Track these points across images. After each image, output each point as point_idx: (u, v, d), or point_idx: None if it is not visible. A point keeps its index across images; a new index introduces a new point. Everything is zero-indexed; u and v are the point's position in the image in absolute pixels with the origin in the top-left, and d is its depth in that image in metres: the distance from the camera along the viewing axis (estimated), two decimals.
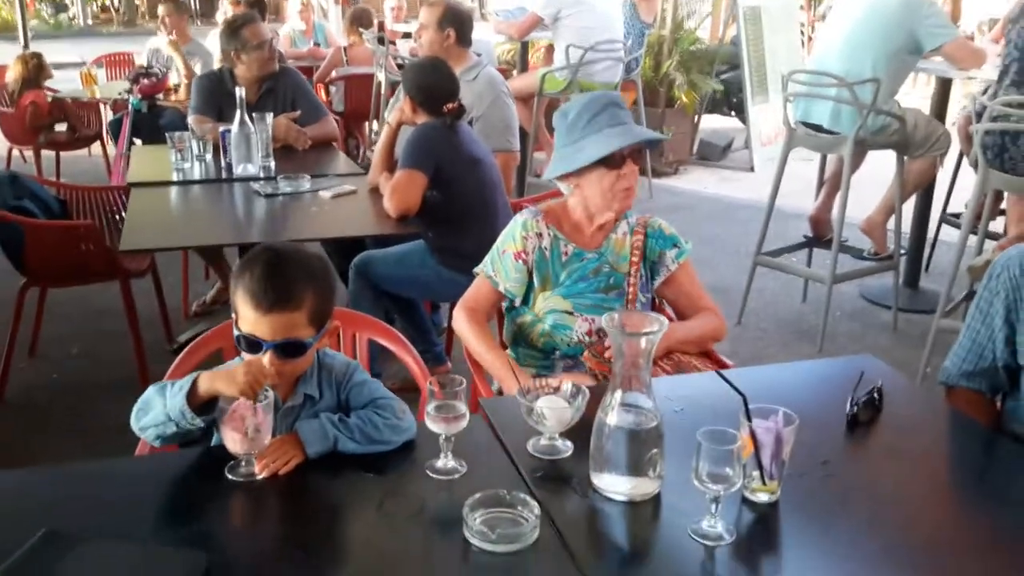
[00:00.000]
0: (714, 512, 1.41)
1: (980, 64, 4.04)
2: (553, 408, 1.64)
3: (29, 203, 3.57)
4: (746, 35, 7.38)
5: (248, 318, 1.64)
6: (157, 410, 1.61)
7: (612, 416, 1.50)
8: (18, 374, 3.70)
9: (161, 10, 6.49)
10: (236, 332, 1.66)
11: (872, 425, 1.77)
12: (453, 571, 1.40)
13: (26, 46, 8.27)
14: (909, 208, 4.65)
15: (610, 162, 2.21)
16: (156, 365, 3.01)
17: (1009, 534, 1.50)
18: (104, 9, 22.82)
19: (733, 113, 8.57)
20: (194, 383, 1.59)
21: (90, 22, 21.66)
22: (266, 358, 1.63)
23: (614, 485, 1.52)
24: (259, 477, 1.58)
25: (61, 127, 6.59)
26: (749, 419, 1.46)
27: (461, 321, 2.35)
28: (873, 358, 2.12)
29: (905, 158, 4.28)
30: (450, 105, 3.28)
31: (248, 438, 1.54)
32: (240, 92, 3.62)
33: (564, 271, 2.32)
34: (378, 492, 1.57)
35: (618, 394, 1.50)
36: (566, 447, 1.67)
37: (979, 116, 3.60)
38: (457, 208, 3.24)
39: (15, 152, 6.94)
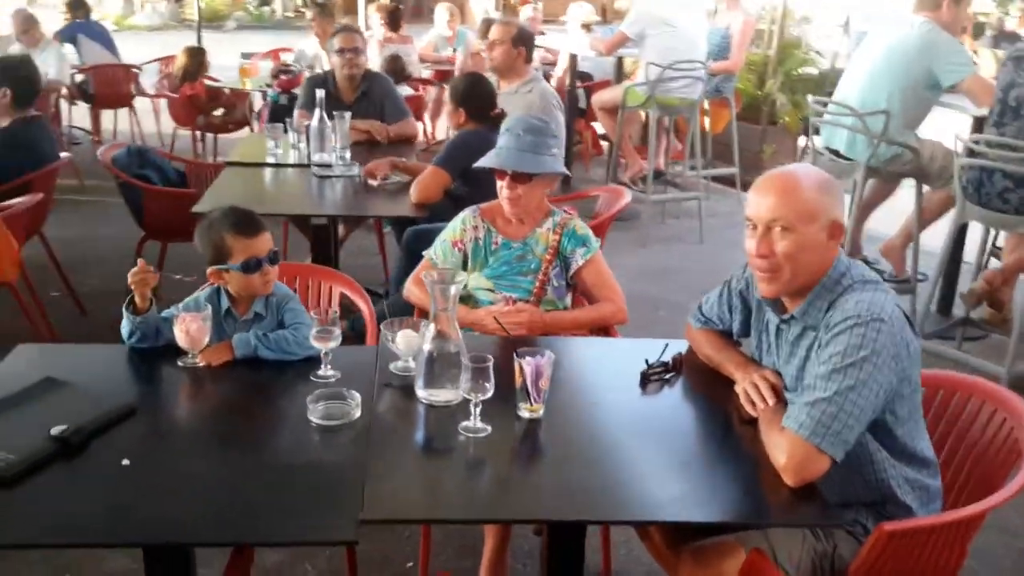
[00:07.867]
0: (475, 413, 1.97)
1: None
2: (403, 336, 2.23)
3: (150, 172, 4.47)
4: None
5: (241, 247, 2.34)
6: (126, 325, 2.33)
7: (426, 344, 2.08)
8: None
9: (309, 14, 7.43)
10: (229, 266, 2.34)
11: (663, 384, 2.25)
12: (297, 435, 2.02)
13: (198, 40, 9.54)
14: (941, 235, 4.85)
15: (497, 173, 2.82)
16: None
17: (703, 460, 1.98)
18: (304, 4, 24.92)
19: None
20: (131, 298, 2.29)
21: (289, 15, 23.68)
22: (267, 270, 2.35)
23: (425, 393, 2.10)
24: (199, 365, 2.27)
25: (218, 112, 7.66)
26: (519, 357, 2.01)
27: (416, 291, 2.93)
28: None
29: (925, 188, 4.51)
30: (496, 111, 3.91)
31: (189, 336, 2.23)
32: (320, 94, 4.35)
33: (492, 257, 2.90)
34: (274, 385, 2.25)
35: (431, 328, 2.08)
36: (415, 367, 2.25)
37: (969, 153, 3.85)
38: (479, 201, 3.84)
39: (179, 132, 8.03)
